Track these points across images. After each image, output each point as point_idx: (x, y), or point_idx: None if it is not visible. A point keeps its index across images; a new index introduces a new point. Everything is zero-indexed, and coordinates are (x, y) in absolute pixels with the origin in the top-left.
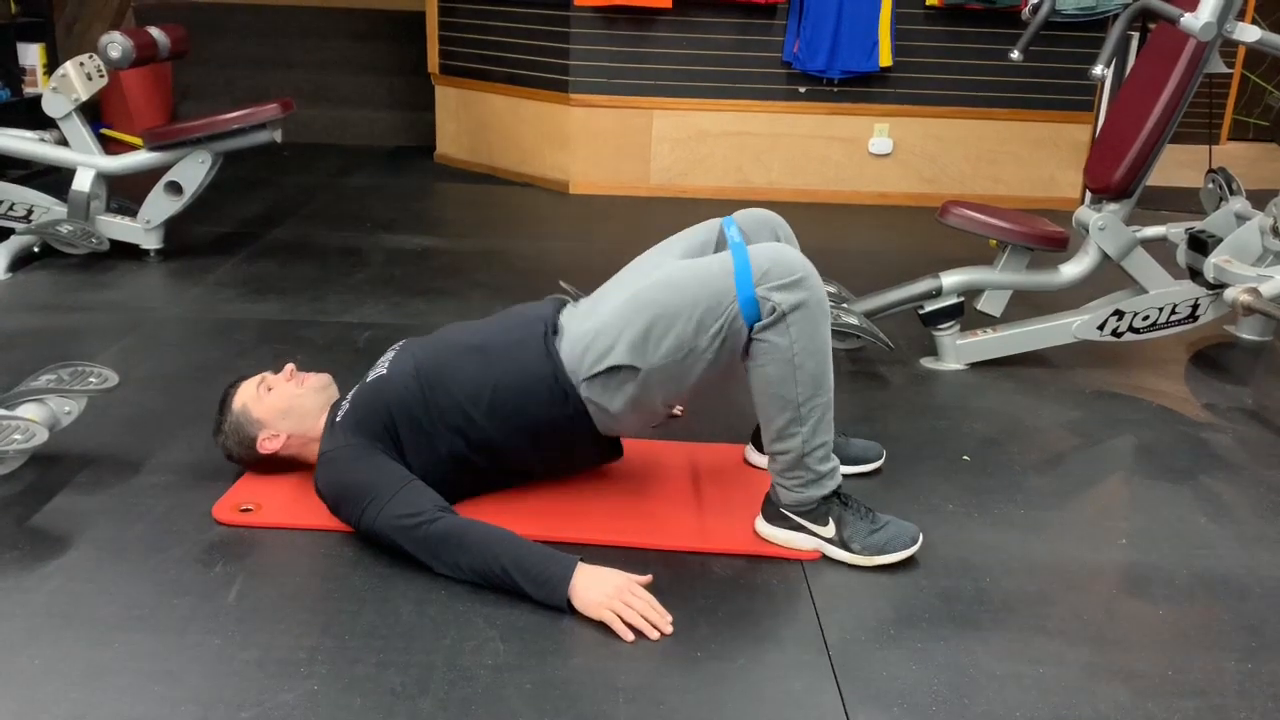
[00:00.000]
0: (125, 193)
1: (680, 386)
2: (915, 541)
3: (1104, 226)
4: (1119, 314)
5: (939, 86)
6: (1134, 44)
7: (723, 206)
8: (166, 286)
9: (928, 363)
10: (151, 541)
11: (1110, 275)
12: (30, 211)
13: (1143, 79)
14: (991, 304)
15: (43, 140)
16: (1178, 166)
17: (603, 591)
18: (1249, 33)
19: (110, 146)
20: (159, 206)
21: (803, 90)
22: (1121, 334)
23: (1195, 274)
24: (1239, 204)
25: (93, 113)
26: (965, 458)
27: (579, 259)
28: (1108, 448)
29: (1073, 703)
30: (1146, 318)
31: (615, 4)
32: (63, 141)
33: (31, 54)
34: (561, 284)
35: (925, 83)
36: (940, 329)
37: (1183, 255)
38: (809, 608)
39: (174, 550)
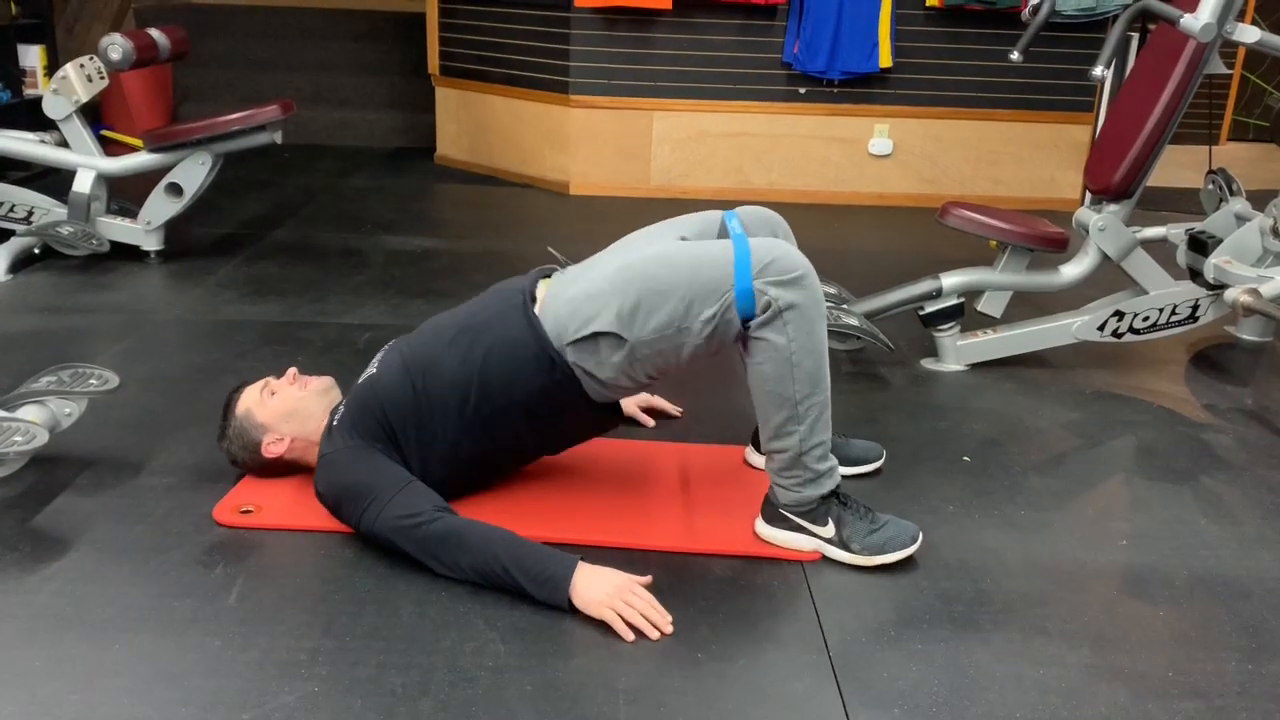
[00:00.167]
0: (126, 194)
1: (665, 362)
2: (915, 541)
3: (1104, 227)
4: (1119, 315)
5: (939, 87)
6: (1134, 45)
7: (723, 207)
8: (167, 288)
9: (928, 364)
10: (152, 543)
11: (1110, 276)
12: (31, 213)
13: (1143, 80)
14: (992, 305)
15: (43, 142)
16: (1178, 167)
17: (603, 590)
18: (1249, 33)
19: (110, 148)
20: (159, 208)
21: (803, 91)
22: (1122, 335)
23: (1195, 275)
24: (1239, 205)
25: (93, 114)
26: (965, 459)
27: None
28: (1108, 449)
29: (1073, 704)
30: (1147, 318)
31: (615, 5)
32: (63, 143)
33: (32, 55)
34: (550, 249)
35: (925, 84)
36: (940, 330)
37: (1183, 256)
38: (809, 609)
39: (175, 552)
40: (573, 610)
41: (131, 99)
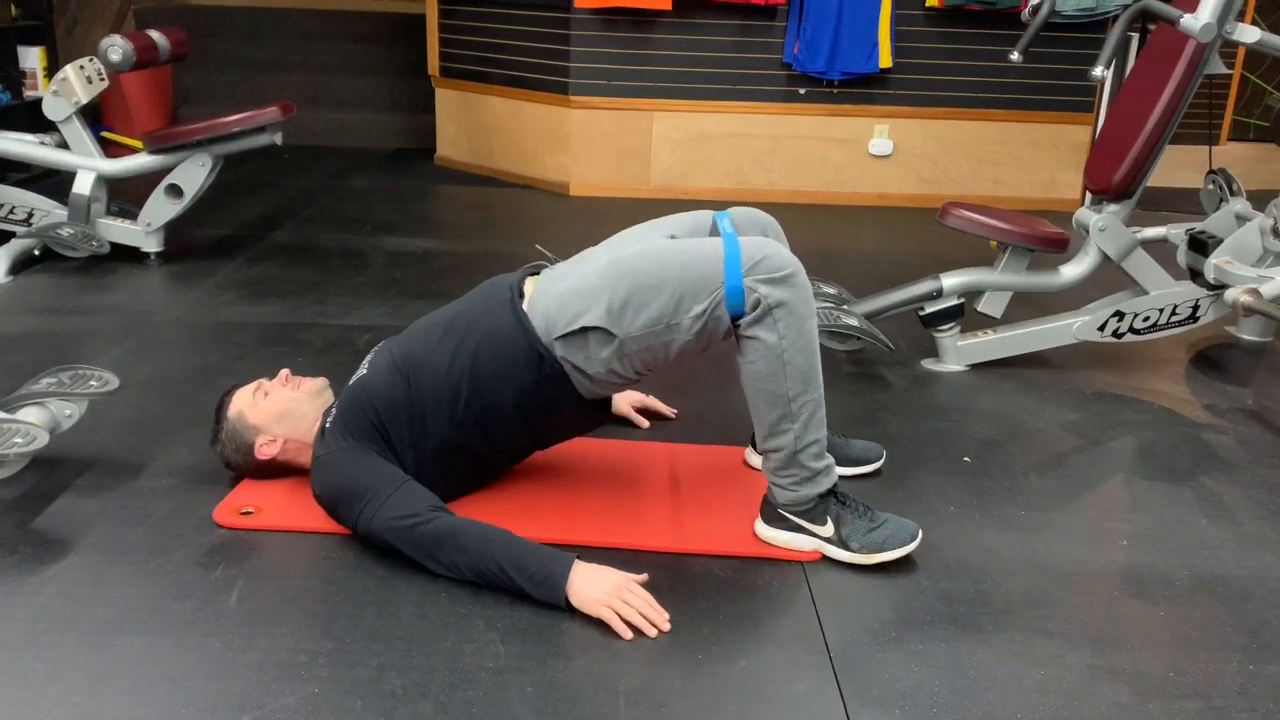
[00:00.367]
0: (125, 196)
1: (656, 357)
2: (914, 539)
3: (1104, 227)
4: (1119, 315)
5: (939, 88)
6: (1134, 45)
7: (723, 208)
8: (167, 289)
9: (928, 364)
10: (152, 545)
11: (1111, 276)
12: (31, 215)
13: (1143, 80)
14: (992, 305)
15: (43, 143)
16: (1178, 167)
17: (600, 589)
18: (1249, 33)
19: (110, 149)
20: (159, 209)
21: (803, 92)
22: (1122, 335)
23: (1196, 275)
24: (1239, 205)
25: (93, 116)
26: (966, 459)
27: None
28: (1108, 449)
29: (1074, 704)
30: (1147, 319)
31: (615, 5)
32: (63, 145)
33: (32, 57)
34: (538, 247)
35: (925, 84)
36: (941, 330)
37: (1183, 256)
38: (809, 609)
39: (175, 553)
40: (570, 609)
41: (131, 100)
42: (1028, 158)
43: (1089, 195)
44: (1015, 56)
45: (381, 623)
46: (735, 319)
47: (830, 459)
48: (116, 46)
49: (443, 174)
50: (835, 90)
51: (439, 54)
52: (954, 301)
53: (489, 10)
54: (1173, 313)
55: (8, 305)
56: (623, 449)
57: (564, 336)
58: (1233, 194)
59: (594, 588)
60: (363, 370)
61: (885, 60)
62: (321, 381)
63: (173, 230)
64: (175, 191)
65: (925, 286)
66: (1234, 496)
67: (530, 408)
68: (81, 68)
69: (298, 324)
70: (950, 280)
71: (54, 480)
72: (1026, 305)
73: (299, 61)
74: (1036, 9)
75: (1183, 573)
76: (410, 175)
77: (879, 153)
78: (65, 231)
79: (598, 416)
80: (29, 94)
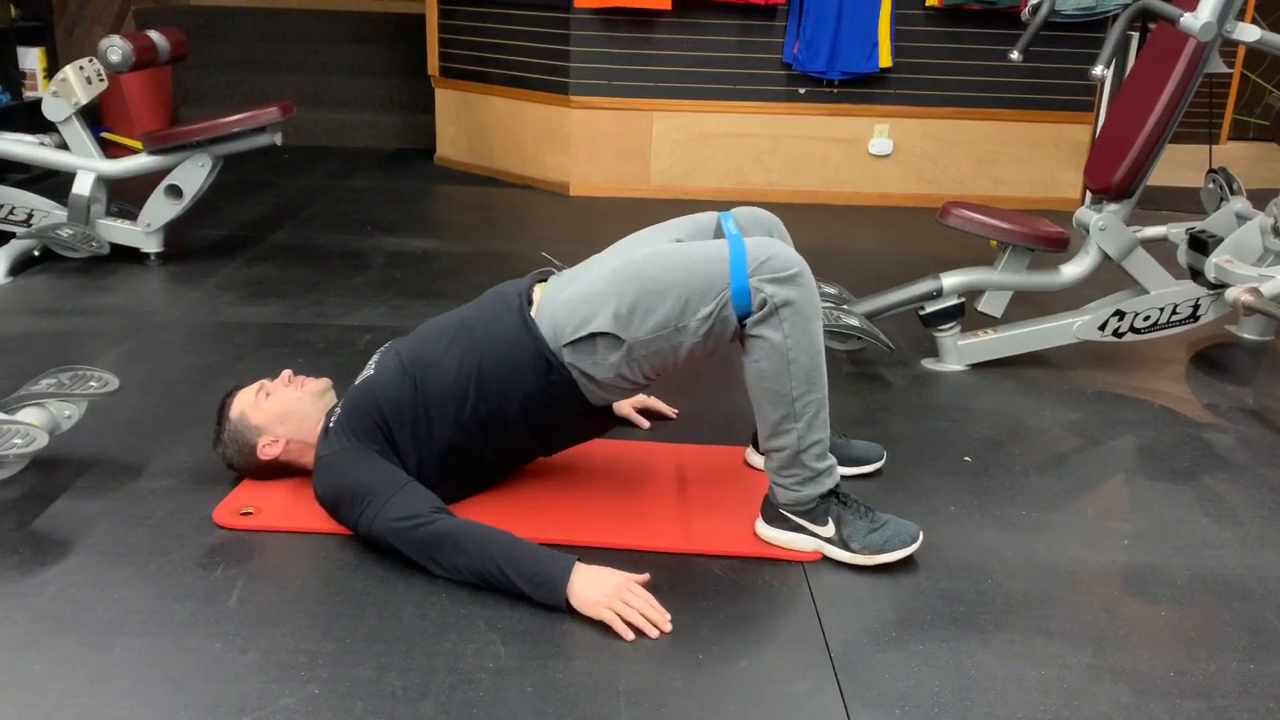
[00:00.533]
0: (125, 196)
1: (665, 362)
2: (915, 540)
3: (1104, 227)
4: (1120, 314)
5: (939, 87)
6: (1134, 44)
7: (723, 208)
8: (167, 290)
9: (929, 364)
10: (152, 545)
11: (1111, 275)
12: (30, 215)
13: (1143, 79)
14: (992, 305)
15: (43, 144)
16: (1178, 166)
17: (601, 591)
18: (1249, 32)
19: (110, 150)
20: (159, 210)
21: (803, 91)
22: (1122, 334)
23: (1196, 274)
24: (1239, 204)
25: (93, 116)
26: (966, 459)
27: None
28: (1109, 448)
29: (1075, 704)
30: (1147, 318)
31: (615, 5)
32: (63, 145)
33: (31, 58)
34: (544, 255)
35: (925, 83)
36: (941, 330)
37: (1183, 255)
38: (810, 609)
39: (175, 554)
40: (571, 611)
41: (131, 101)
42: (1028, 157)
43: (1089, 194)
44: (1015, 56)
45: (382, 623)
46: (742, 319)
47: (833, 459)
48: (116, 47)
49: (443, 174)
50: (835, 90)
51: (439, 54)
52: (954, 301)
53: (489, 10)
54: (1173, 312)
55: (7, 306)
56: (624, 449)
57: (572, 343)
58: (1233, 193)
59: (594, 590)
60: (369, 371)
61: (885, 60)
62: (325, 382)
63: (172, 231)
64: (175, 192)
65: (925, 286)
66: (1235, 496)
67: (536, 413)
68: (81, 68)
69: (298, 324)
70: (950, 280)
71: (54, 481)
72: (1027, 305)
73: (299, 62)
74: (1036, 8)
75: (1184, 572)
76: (410, 175)
77: (879, 152)
78: (65, 232)
79: (603, 423)
80: (29, 95)
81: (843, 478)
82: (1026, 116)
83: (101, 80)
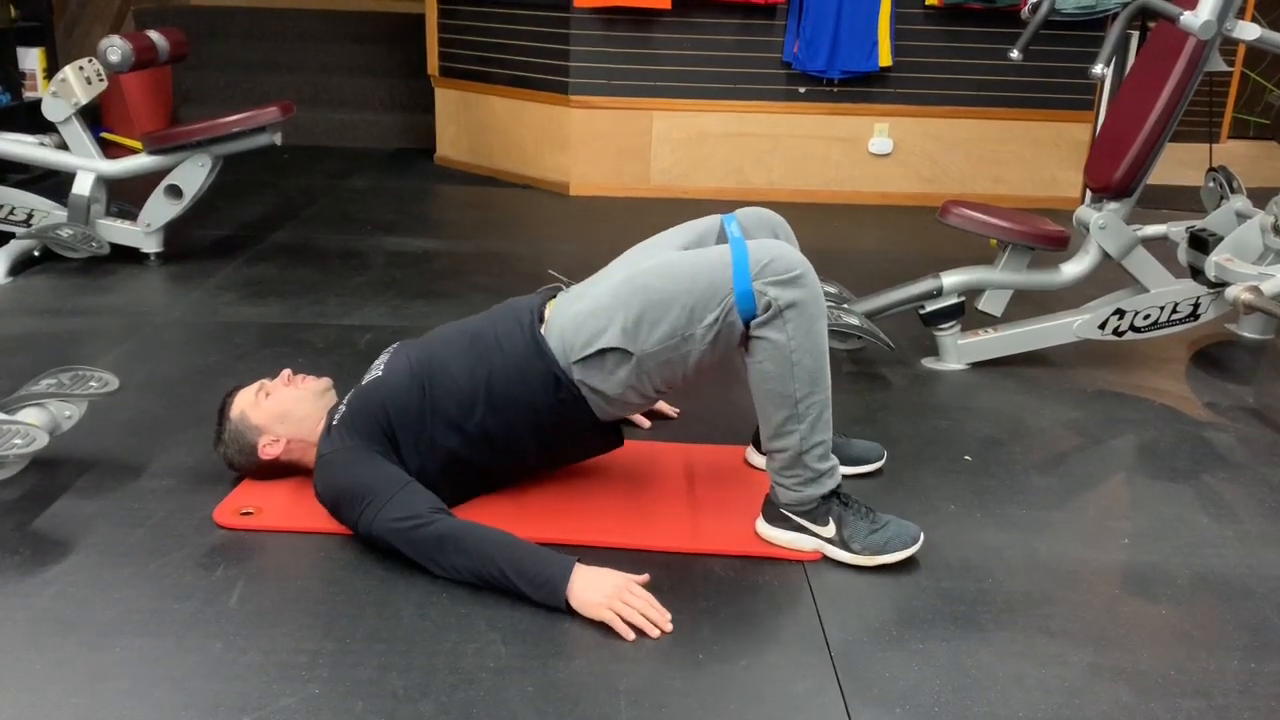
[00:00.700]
0: (125, 196)
1: (673, 373)
2: (916, 541)
3: (1105, 225)
4: (1120, 313)
5: (939, 86)
6: (1134, 43)
7: (723, 207)
8: (167, 290)
9: (929, 363)
10: (152, 546)
11: (1111, 274)
12: (30, 216)
13: (1143, 78)
14: (992, 303)
15: (43, 144)
16: (1178, 165)
17: (601, 592)
18: (1249, 30)
19: (110, 150)
20: (159, 210)
21: (803, 90)
22: (1123, 333)
23: (1196, 272)
24: (1240, 202)
25: (92, 116)
26: (967, 458)
27: (580, 260)
28: (1109, 447)
29: (1075, 703)
30: (1148, 316)
31: (615, 5)
32: (63, 145)
33: (31, 58)
34: (550, 272)
35: (925, 82)
36: (941, 329)
37: (1183, 254)
38: (810, 609)
39: (175, 554)
40: (571, 612)
41: (131, 101)
42: (1028, 156)
43: (1089, 193)
44: (1015, 55)
45: (382, 623)
46: (747, 323)
47: (835, 460)
48: (115, 47)
49: (443, 174)
50: (835, 89)
51: (439, 54)
52: (954, 300)
53: (489, 10)
54: (1173, 311)
55: (8, 306)
56: (627, 448)
57: (581, 360)
58: (1233, 191)
59: (595, 591)
60: (377, 372)
61: (885, 59)
62: (325, 381)
63: (172, 231)
64: (175, 192)
65: (926, 285)
66: (1235, 494)
67: (543, 429)
68: (81, 69)
69: (298, 324)
70: (950, 279)
71: (54, 481)
72: (1027, 304)
73: (299, 61)
74: (1036, 7)
75: (1184, 571)
76: (410, 175)
77: (879, 151)
78: (65, 232)
79: (610, 441)
80: (28, 95)
81: (843, 477)
82: (1026, 115)
83: (101, 80)
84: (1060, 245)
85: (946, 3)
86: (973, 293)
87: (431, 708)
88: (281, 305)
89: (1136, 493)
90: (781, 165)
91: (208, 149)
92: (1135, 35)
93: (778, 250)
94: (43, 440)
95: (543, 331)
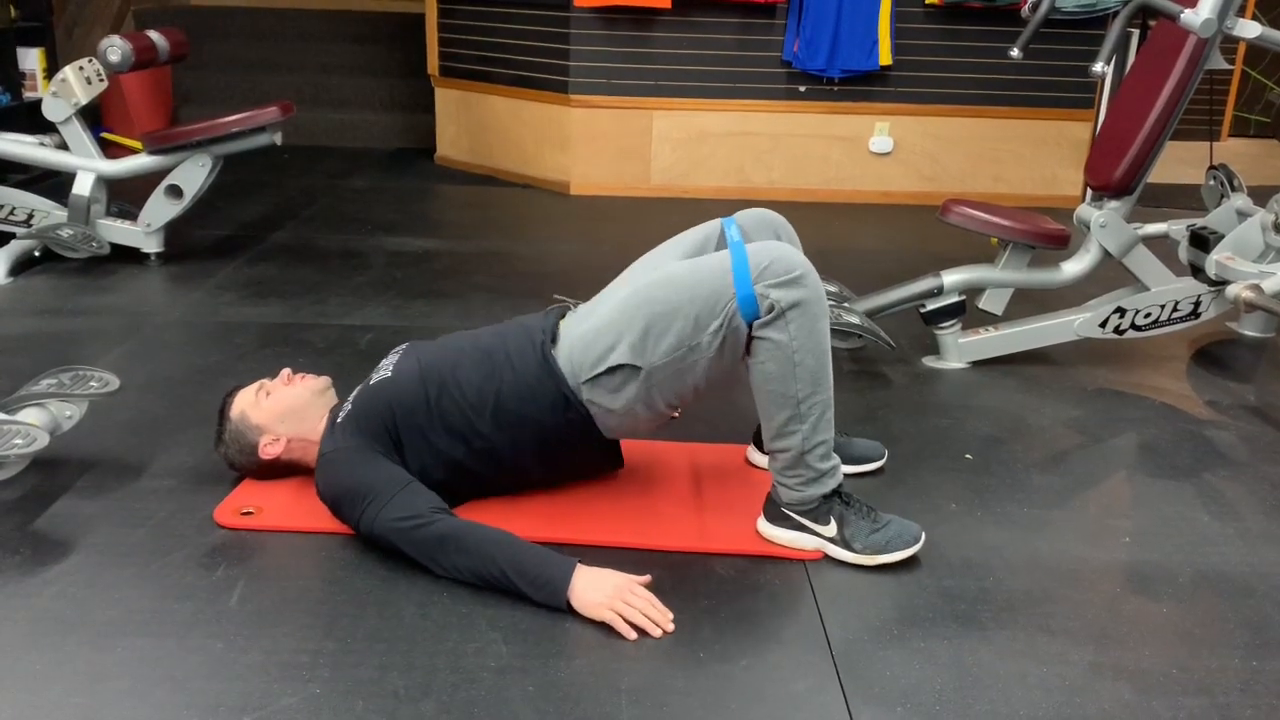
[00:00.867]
0: (125, 196)
1: (683, 385)
2: (917, 541)
3: (1105, 224)
4: (1121, 311)
5: (939, 85)
6: (1134, 41)
7: (724, 206)
8: (167, 290)
9: (929, 361)
10: (153, 545)
11: (1112, 273)
12: (31, 216)
13: (1143, 76)
14: (993, 302)
15: (43, 144)
16: (1179, 163)
17: (602, 592)
18: (1249, 28)
19: (110, 150)
20: (159, 210)
21: (803, 89)
22: (1123, 331)
23: (1197, 271)
24: (1240, 200)
25: (93, 117)
26: (968, 456)
27: (580, 260)
28: (1110, 446)
29: (1077, 701)
30: (1148, 315)
31: (615, 4)
32: (63, 146)
33: (31, 58)
34: (555, 296)
35: (925, 81)
36: (942, 327)
37: (1184, 252)
38: (812, 608)
39: (176, 554)
40: (572, 613)
41: (131, 101)
42: (1028, 154)
43: (1090, 192)
44: (1015, 53)
45: (383, 623)
46: (751, 325)
47: (837, 459)
48: (115, 47)
49: (443, 174)
50: (835, 88)
51: (439, 54)
52: (955, 299)
53: (489, 10)
54: (1174, 309)
55: (8, 307)
56: (628, 447)
57: (591, 380)
58: (1234, 190)
59: (596, 591)
60: (386, 372)
61: (885, 58)
62: (325, 380)
63: (173, 231)
64: (175, 192)
65: (926, 284)
66: (1236, 492)
67: (548, 447)
68: (81, 69)
69: (298, 324)
70: (951, 277)
71: (54, 481)
72: (1028, 302)
73: (299, 62)
74: (1036, 5)
75: (1185, 569)
76: (410, 175)
77: (879, 150)
78: (65, 232)
79: (611, 463)
80: (28, 95)
81: (844, 476)
82: (1027, 114)
83: (101, 80)
84: (1061, 244)
85: (946, 1)
86: (973, 291)
87: (433, 707)
88: (282, 305)
89: (1137, 491)
90: (782, 164)
91: (208, 149)
92: (1136, 33)
93: (777, 252)
94: (43, 440)
95: (554, 353)
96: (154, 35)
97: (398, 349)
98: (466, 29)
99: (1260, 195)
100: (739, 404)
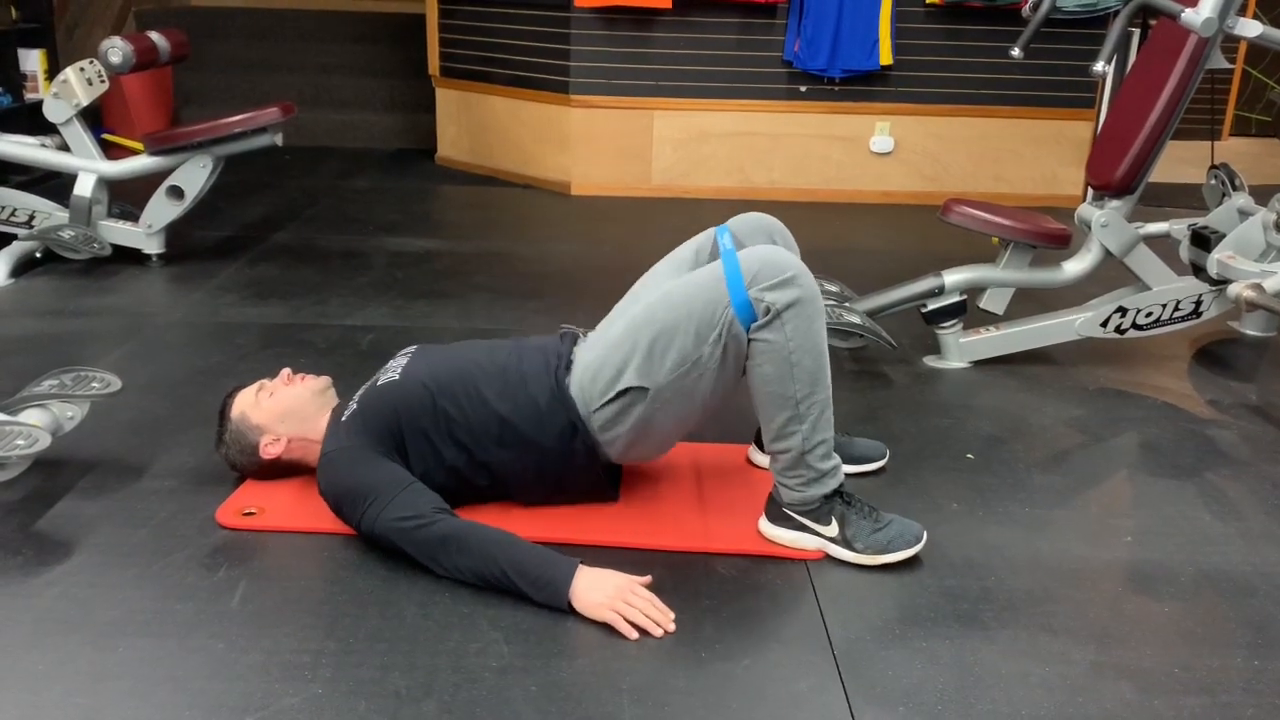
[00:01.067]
0: (127, 197)
1: (692, 404)
2: (919, 540)
3: (1106, 223)
4: (1122, 311)
5: (940, 85)
6: (1135, 40)
7: (725, 206)
8: (168, 291)
9: (931, 361)
10: (155, 546)
11: (1113, 272)
12: (32, 217)
13: (1144, 75)
14: (994, 302)
15: (44, 146)
16: (1180, 163)
17: (604, 593)
18: (1250, 28)
19: (111, 151)
20: (160, 211)
21: (804, 89)
22: (1125, 331)
23: (1198, 270)
24: (1241, 200)
25: (94, 118)
26: (969, 456)
27: (581, 260)
28: (1111, 445)
29: (1079, 701)
30: (1150, 314)
31: (615, 4)
32: (64, 147)
33: (32, 59)
34: (563, 326)
35: (926, 81)
36: (943, 327)
37: (1185, 251)
38: (813, 608)
39: (177, 555)
40: (573, 613)
41: (132, 102)
42: (1029, 154)
43: (1091, 191)
44: (1016, 53)
45: (385, 623)
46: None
47: (837, 459)
48: (116, 48)
49: (444, 174)
50: (836, 88)
51: (439, 54)
52: (956, 298)
53: (489, 10)
54: (1175, 308)
55: (9, 308)
56: None
57: (603, 406)
58: (1235, 189)
59: (597, 592)
60: (393, 374)
61: (886, 57)
62: (325, 380)
63: (174, 232)
64: (176, 193)
65: (927, 284)
66: (1238, 492)
67: (547, 473)
68: (82, 70)
69: (300, 325)
70: (952, 277)
71: (56, 482)
72: (1029, 302)
73: (299, 62)
74: (1037, 5)
75: (1187, 568)
76: (411, 175)
77: (880, 150)
78: (66, 234)
79: (607, 496)
80: (30, 96)
81: (845, 476)
82: (1028, 113)
83: (102, 81)
84: (1062, 243)
85: (947, 1)
86: (975, 291)
87: (434, 707)
88: (283, 306)
89: (1139, 490)
90: (783, 164)
91: (209, 150)
92: (1136, 33)
93: (768, 255)
94: (45, 441)
95: (567, 381)
96: (155, 36)
97: (406, 351)
98: (467, 29)
99: (1261, 194)
100: (739, 403)
